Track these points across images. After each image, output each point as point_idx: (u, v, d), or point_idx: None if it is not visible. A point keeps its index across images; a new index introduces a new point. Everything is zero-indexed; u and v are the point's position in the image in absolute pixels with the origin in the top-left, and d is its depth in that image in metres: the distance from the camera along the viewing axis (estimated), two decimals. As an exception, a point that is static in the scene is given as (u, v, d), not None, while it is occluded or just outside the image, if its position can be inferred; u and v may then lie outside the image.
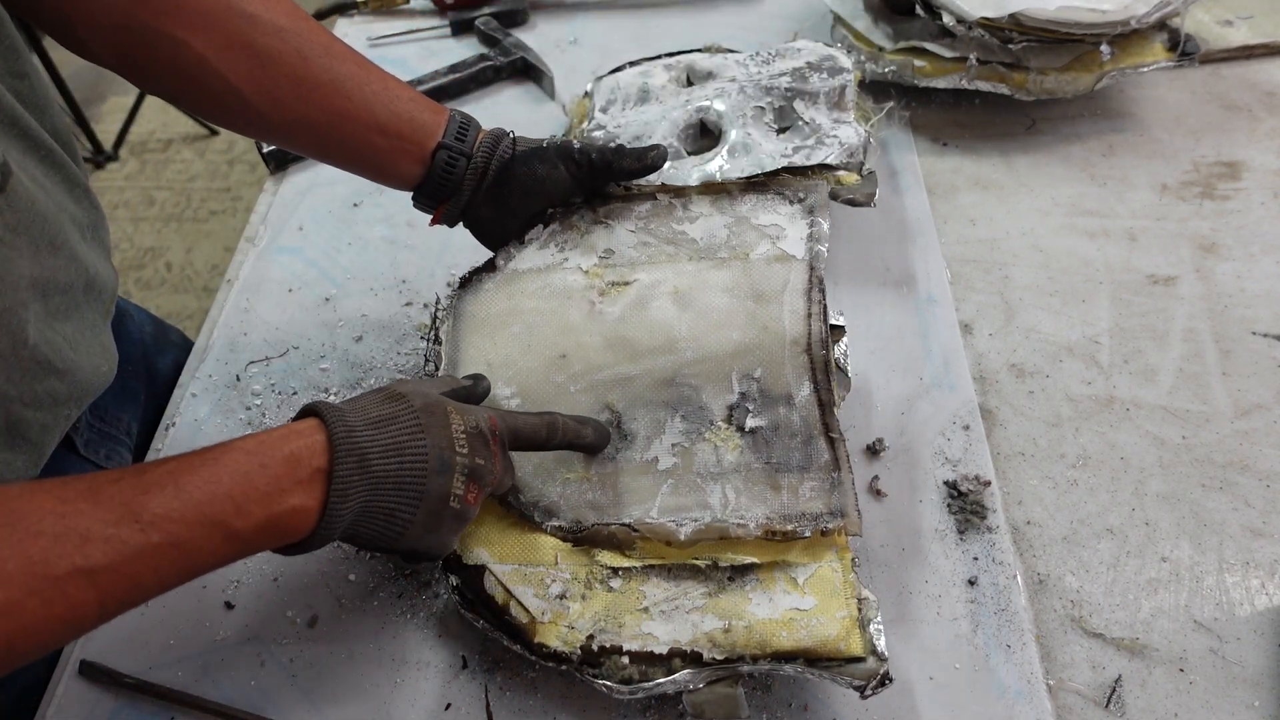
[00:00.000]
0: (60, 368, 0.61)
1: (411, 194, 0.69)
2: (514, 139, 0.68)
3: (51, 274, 0.59)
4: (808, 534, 0.58)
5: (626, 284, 0.67)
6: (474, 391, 0.61)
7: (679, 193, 0.71)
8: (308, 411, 0.52)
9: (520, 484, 0.63)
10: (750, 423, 0.61)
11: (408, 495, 0.51)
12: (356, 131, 0.64)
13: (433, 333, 0.70)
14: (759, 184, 0.71)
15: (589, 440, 0.61)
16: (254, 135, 0.68)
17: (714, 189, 0.71)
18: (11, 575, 0.39)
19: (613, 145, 0.68)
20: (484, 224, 0.71)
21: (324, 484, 0.49)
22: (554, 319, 0.67)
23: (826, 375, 0.62)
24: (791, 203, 0.70)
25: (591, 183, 0.70)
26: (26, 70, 0.59)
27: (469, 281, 0.70)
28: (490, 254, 0.72)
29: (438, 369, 0.68)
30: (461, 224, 0.71)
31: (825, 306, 0.64)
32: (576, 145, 0.68)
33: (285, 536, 0.49)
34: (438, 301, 0.71)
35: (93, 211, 0.66)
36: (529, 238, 0.70)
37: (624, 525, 0.60)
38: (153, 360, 0.83)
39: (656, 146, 0.68)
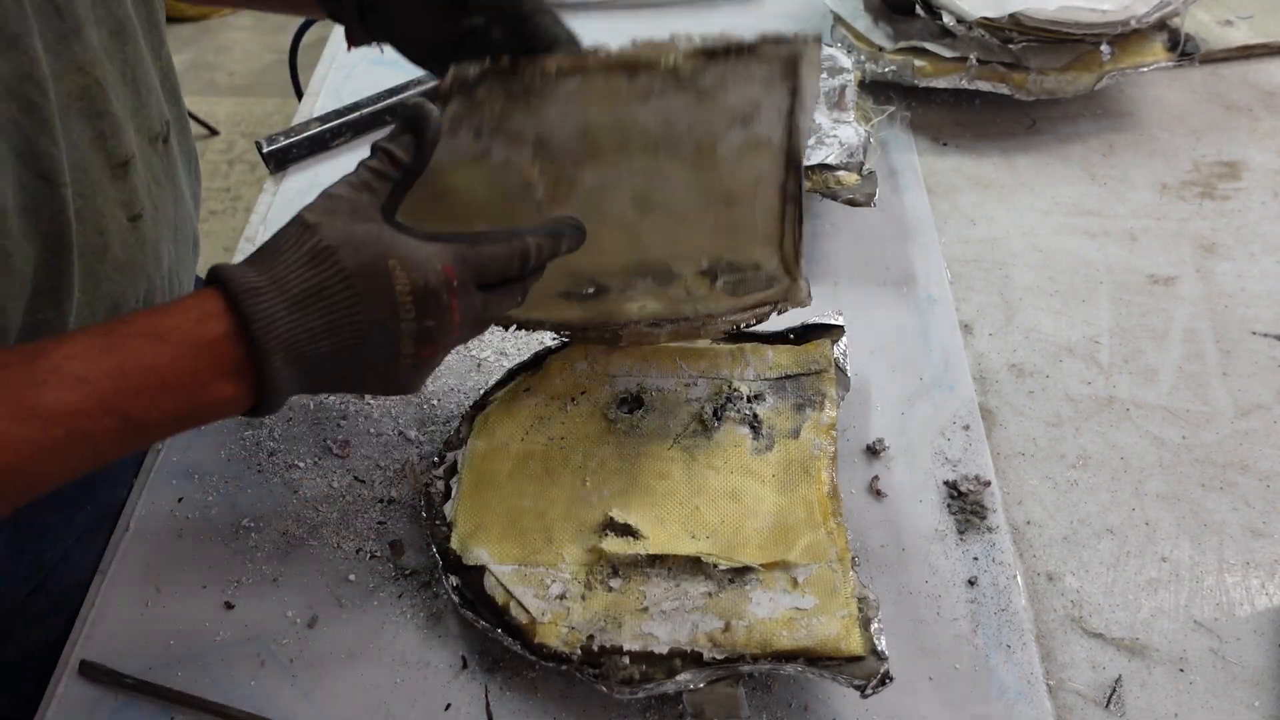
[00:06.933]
0: None
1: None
2: None
3: (179, 224, 0.67)
4: (762, 322, 0.68)
5: (572, 182, 0.58)
6: None
7: (623, 66, 0.55)
8: (213, 278, 0.46)
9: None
10: (721, 281, 0.65)
11: (351, 368, 0.47)
12: None
13: None
14: (719, 52, 0.55)
15: (567, 249, 0.54)
16: None
17: (663, 49, 0.55)
18: None
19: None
20: (394, 27, 0.61)
21: (252, 373, 0.44)
22: (496, 213, 0.57)
23: (797, 227, 0.62)
24: (770, 63, 0.55)
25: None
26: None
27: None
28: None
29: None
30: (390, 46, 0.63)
31: (801, 191, 0.60)
32: None
33: (216, 418, 0.46)
34: None
35: (197, 186, 0.74)
36: None
37: (612, 328, 0.66)
38: None
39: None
